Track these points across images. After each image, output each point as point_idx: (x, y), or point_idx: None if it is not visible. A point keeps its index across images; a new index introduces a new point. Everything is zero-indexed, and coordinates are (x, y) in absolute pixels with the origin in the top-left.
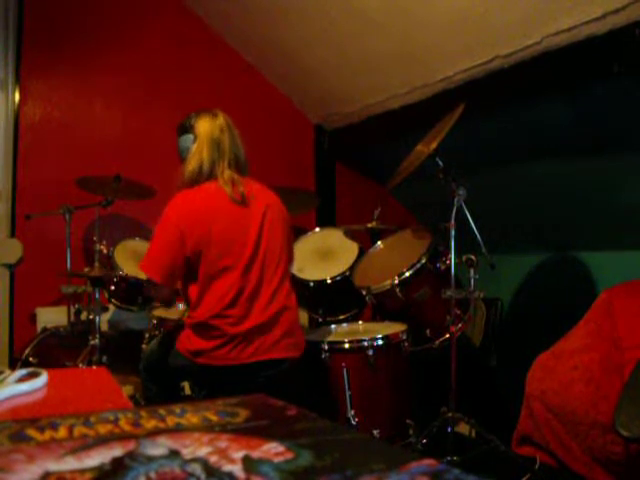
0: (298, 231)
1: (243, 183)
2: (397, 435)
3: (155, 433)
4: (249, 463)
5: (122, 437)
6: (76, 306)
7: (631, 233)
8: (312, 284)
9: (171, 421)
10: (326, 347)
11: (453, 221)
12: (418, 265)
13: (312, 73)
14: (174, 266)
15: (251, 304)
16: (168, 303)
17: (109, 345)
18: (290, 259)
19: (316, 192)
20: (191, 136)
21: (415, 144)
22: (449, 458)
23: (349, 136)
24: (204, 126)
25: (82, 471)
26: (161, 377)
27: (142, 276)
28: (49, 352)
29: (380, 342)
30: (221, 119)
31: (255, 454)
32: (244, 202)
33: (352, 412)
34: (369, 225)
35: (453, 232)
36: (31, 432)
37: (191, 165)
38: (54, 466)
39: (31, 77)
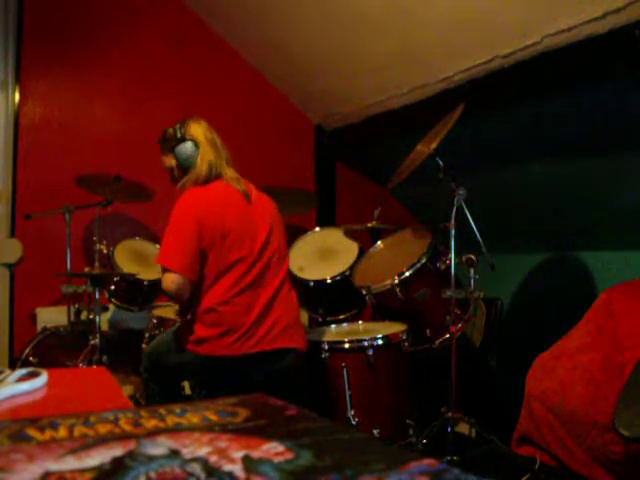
0: (298, 231)
1: (243, 181)
2: (397, 435)
3: (155, 433)
4: (249, 463)
5: (122, 437)
6: (76, 306)
7: (631, 233)
8: (312, 284)
9: (171, 421)
10: (326, 347)
11: (453, 221)
12: (418, 265)
13: (312, 73)
14: (194, 258)
15: (258, 295)
16: (184, 310)
17: (109, 345)
18: None
19: (316, 192)
20: (189, 143)
21: (415, 144)
22: (449, 458)
23: (349, 136)
24: (198, 131)
25: (82, 471)
26: (163, 376)
27: (143, 276)
28: (49, 352)
29: (380, 342)
30: (203, 122)
31: (255, 454)
32: (249, 198)
33: (352, 412)
34: (369, 225)
35: (453, 232)
36: (31, 432)
37: (204, 169)
38: (54, 466)
39: (31, 77)
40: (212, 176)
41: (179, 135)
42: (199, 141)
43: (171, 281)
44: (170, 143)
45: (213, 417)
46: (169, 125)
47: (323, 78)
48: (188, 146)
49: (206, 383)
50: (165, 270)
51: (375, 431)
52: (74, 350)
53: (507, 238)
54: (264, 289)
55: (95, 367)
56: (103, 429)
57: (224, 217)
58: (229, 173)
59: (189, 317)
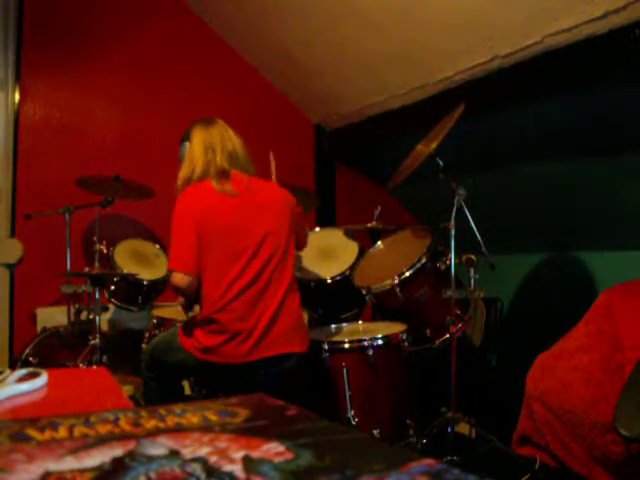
0: None
1: (237, 178)
2: (397, 435)
3: (155, 433)
4: (249, 463)
5: (122, 437)
6: (76, 306)
7: (631, 233)
8: (312, 284)
9: (171, 421)
10: (326, 347)
11: (453, 221)
12: (418, 265)
13: (312, 73)
14: (196, 252)
15: (256, 299)
16: (190, 304)
17: (109, 345)
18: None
19: (316, 192)
20: (187, 143)
21: (415, 144)
22: (449, 458)
23: (349, 136)
24: (197, 134)
25: (82, 471)
26: (163, 374)
27: (143, 276)
28: (49, 352)
29: (380, 342)
30: (217, 126)
31: (255, 454)
32: (235, 194)
33: (352, 412)
34: (369, 225)
35: (453, 232)
36: (31, 432)
37: (184, 171)
38: (54, 466)
39: (31, 77)
40: (195, 178)
41: (185, 133)
42: (191, 144)
43: (179, 279)
44: (181, 138)
45: (213, 417)
46: (168, 125)
47: (323, 78)
48: (184, 146)
49: (207, 383)
50: (172, 271)
51: (375, 431)
52: (74, 350)
53: (507, 238)
54: (263, 293)
55: (95, 367)
56: (103, 429)
57: (211, 216)
58: (217, 172)
59: (190, 318)
